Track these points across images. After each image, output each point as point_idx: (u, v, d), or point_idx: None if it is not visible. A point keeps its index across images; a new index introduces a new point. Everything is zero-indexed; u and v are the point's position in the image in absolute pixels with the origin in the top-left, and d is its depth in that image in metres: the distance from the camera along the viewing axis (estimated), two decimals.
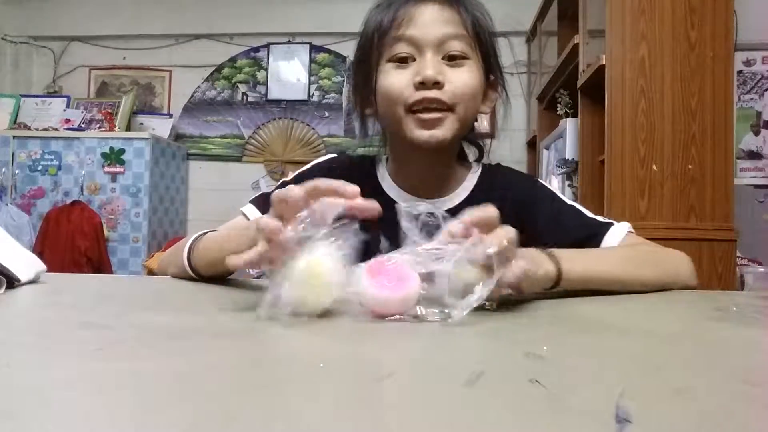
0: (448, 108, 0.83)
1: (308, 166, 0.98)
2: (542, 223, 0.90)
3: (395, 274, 0.50)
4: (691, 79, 1.91)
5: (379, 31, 0.86)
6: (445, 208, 0.86)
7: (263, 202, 0.91)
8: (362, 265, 0.52)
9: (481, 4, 0.90)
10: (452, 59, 0.85)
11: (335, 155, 1.01)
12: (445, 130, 0.84)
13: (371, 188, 0.91)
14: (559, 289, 0.68)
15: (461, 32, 0.85)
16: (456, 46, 0.85)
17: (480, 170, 0.98)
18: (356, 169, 0.95)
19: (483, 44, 0.88)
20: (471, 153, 1.02)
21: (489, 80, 0.92)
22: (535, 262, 0.66)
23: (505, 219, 0.84)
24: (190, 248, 0.86)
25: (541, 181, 1.01)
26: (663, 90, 1.92)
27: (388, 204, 0.87)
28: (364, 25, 0.90)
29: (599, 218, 0.92)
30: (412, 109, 0.83)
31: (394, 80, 0.84)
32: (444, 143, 0.85)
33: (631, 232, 0.88)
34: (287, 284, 0.51)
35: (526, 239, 0.82)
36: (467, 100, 0.85)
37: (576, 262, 0.72)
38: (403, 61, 0.85)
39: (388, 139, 0.96)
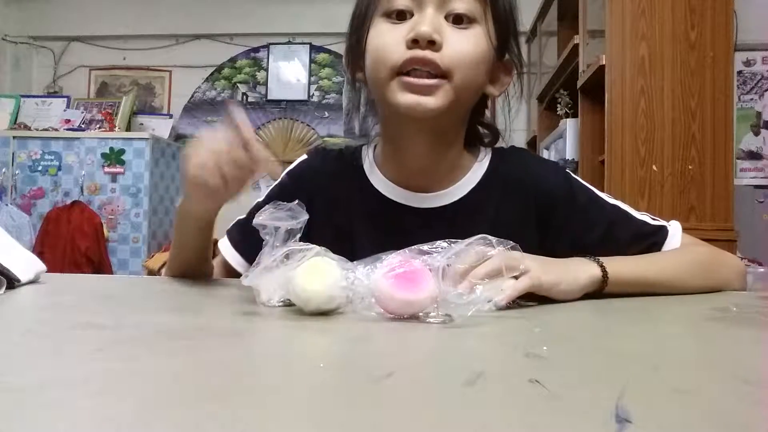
0: (443, 74, 0.70)
1: (280, 178, 0.88)
2: (587, 237, 0.79)
3: (414, 275, 0.49)
4: (691, 79, 1.91)
5: None
6: (447, 203, 0.81)
7: (237, 232, 0.86)
8: (379, 264, 0.51)
9: None
10: (457, 21, 0.72)
11: (308, 156, 0.90)
12: (438, 99, 0.70)
13: (356, 186, 0.84)
14: (608, 291, 0.67)
15: None
16: (462, 5, 0.73)
17: (490, 155, 0.85)
18: (336, 168, 0.87)
19: (498, 9, 0.75)
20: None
21: (503, 59, 0.80)
22: (566, 270, 0.65)
23: (523, 218, 0.80)
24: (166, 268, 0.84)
25: (571, 173, 0.86)
26: (663, 90, 1.92)
27: (377, 201, 0.85)
28: None
29: (649, 219, 0.82)
30: (401, 71, 0.70)
31: (386, 38, 0.73)
32: (434, 114, 0.71)
33: (683, 232, 0.81)
34: (293, 282, 0.51)
35: (551, 243, 0.78)
36: (467, 67, 0.71)
37: (624, 264, 0.70)
38: (400, 16, 0.73)
39: (379, 114, 0.82)
